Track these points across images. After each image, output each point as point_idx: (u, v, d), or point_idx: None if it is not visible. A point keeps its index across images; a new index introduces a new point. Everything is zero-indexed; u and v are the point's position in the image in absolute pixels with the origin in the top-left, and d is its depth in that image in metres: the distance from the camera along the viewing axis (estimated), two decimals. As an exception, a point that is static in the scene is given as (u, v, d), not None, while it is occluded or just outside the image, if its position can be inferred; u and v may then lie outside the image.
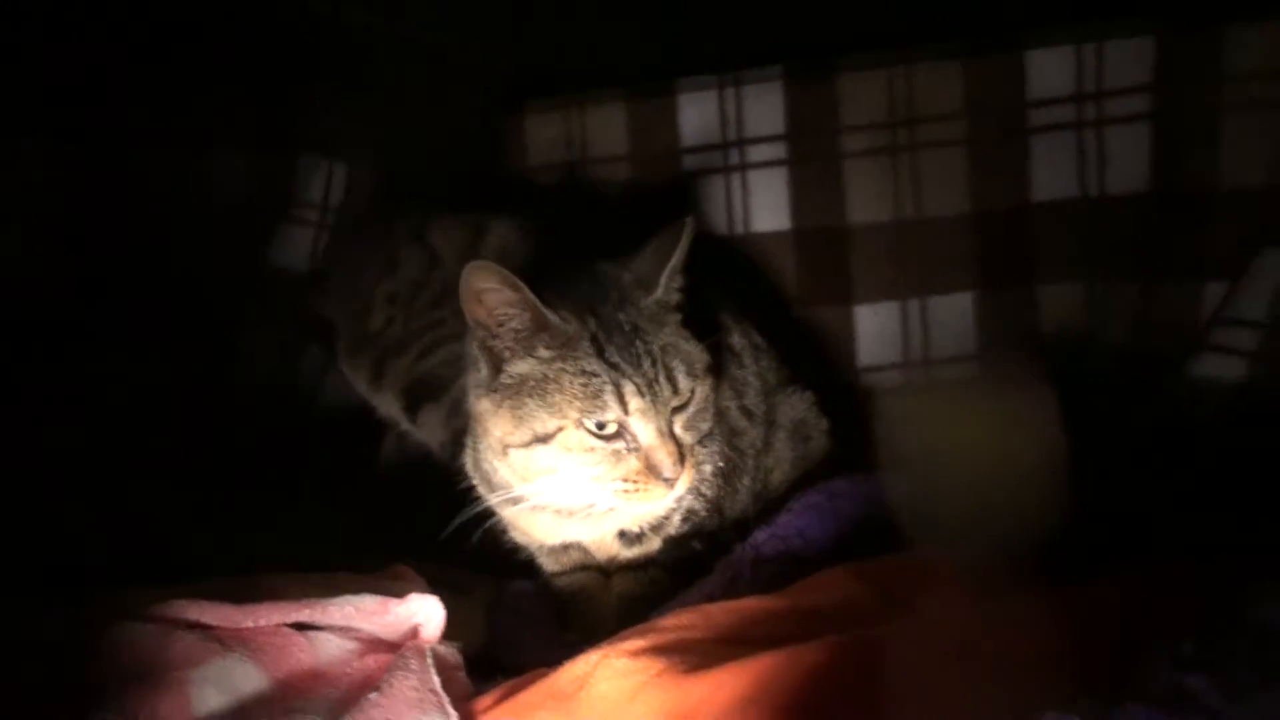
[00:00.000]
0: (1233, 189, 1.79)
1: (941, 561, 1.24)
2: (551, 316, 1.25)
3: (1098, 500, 1.37)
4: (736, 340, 1.53)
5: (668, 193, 2.05)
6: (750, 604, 1.17)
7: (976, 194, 1.95)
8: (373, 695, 1.03)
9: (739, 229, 2.03)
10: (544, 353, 1.26)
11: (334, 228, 2.03)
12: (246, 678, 1.08)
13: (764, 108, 2.00)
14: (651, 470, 1.25)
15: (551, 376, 1.26)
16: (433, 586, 1.32)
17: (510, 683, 1.13)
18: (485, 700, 1.11)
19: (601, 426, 1.25)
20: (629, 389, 1.24)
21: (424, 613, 1.14)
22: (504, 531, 1.46)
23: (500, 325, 1.26)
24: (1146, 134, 1.85)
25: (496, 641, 1.37)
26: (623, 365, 1.25)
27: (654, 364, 1.26)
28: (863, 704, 0.96)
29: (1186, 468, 1.51)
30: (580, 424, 1.25)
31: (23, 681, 1.08)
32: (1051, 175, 1.92)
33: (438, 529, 1.58)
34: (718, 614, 1.15)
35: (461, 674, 1.15)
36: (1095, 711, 0.74)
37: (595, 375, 1.25)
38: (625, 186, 2.07)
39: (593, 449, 1.25)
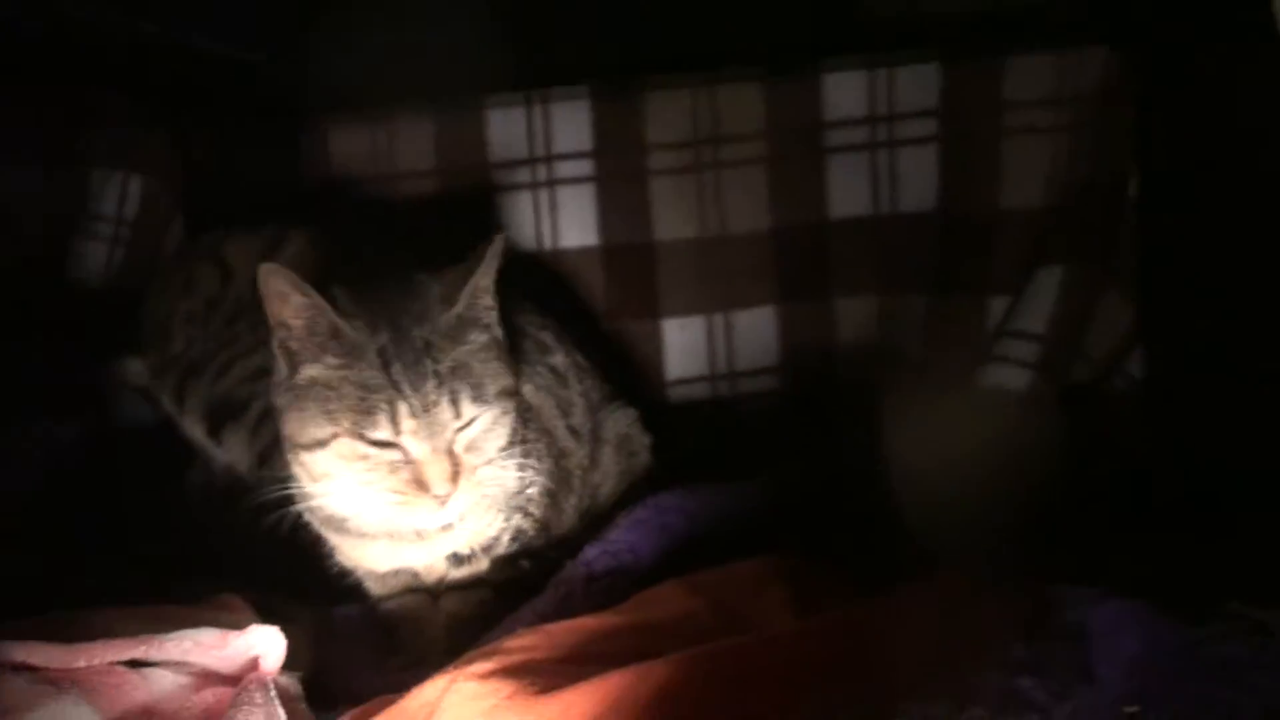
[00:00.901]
0: (1012, 209, 1.90)
1: (768, 571, 1.29)
2: (342, 324, 1.26)
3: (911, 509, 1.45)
4: (560, 360, 1.55)
5: (476, 209, 2.05)
6: (589, 622, 1.20)
7: (777, 211, 2.02)
8: (218, 732, 1.02)
9: (547, 245, 2.04)
10: (332, 360, 1.27)
11: (131, 243, 1.96)
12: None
13: (571, 124, 2.03)
14: (421, 485, 1.26)
15: (335, 384, 1.26)
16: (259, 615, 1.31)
17: (354, 712, 1.12)
18: (329, 731, 1.10)
19: (376, 440, 1.26)
20: (403, 409, 1.25)
21: (264, 644, 1.12)
22: (330, 555, 1.44)
23: (297, 326, 1.27)
24: (934, 156, 1.96)
25: (327, 669, 1.35)
26: (403, 383, 1.25)
27: (439, 384, 1.26)
28: (709, 718, 1.00)
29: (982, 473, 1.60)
30: (353, 434, 1.26)
31: None
32: (847, 193, 2.00)
33: (254, 555, 1.56)
34: (559, 633, 1.17)
35: (303, 705, 1.13)
36: (938, 715, 0.79)
37: (373, 391, 1.25)
38: (433, 202, 2.06)
39: (365, 456, 1.26)
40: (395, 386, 1.25)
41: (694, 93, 2.01)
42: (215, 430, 1.73)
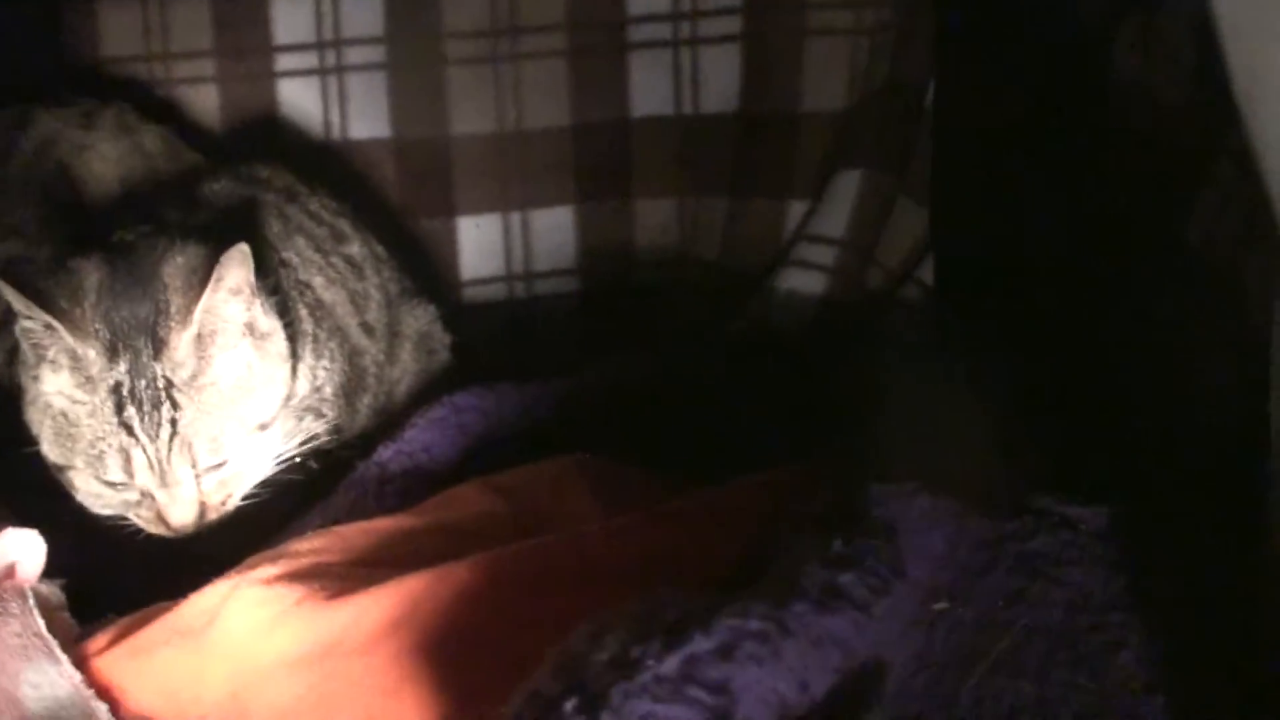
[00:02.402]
0: (813, 111, 1.90)
1: (570, 471, 1.26)
2: (79, 347, 1.12)
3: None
4: (357, 251, 1.46)
5: (258, 97, 1.93)
6: (384, 524, 1.14)
7: (576, 108, 1.96)
8: (-31, 645, 0.93)
9: (336, 135, 1.93)
10: (66, 380, 1.14)
11: None
12: None
13: (363, 6, 1.91)
14: (163, 523, 1.16)
15: (70, 416, 1.14)
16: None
17: (124, 621, 1.04)
18: (98, 641, 1.02)
19: (111, 483, 1.15)
20: (139, 460, 1.13)
21: (20, 549, 1.03)
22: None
23: (30, 327, 1.14)
24: (737, 55, 1.92)
25: (94, 573, 1.25)
26: (137, 431, 1.12)
27: (173, 436, 1.13)
28: (513, 620, 0.96)
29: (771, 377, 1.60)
30: (89, 475, 1.15)
31: None
32: (648, 92, 1.95)
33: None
34: (353, 535, 1.11)
35: (66, 614, 1.05)
36: (762, 612, 0.77)
37: (103, 436, 1.13)
38: (211, 87, 1.93)
39: (101, 495, 1.17)
40: (130, 431, 1.12)
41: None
42: None
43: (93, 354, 1.12)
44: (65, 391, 1.14)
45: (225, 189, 1.43)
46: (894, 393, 1.32)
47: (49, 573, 1.05)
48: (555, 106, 1.96)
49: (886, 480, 0.94)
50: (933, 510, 0.92)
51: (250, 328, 1.19)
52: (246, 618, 0.98)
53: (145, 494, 1.15)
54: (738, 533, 1.04)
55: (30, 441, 1.21)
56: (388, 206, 1.93)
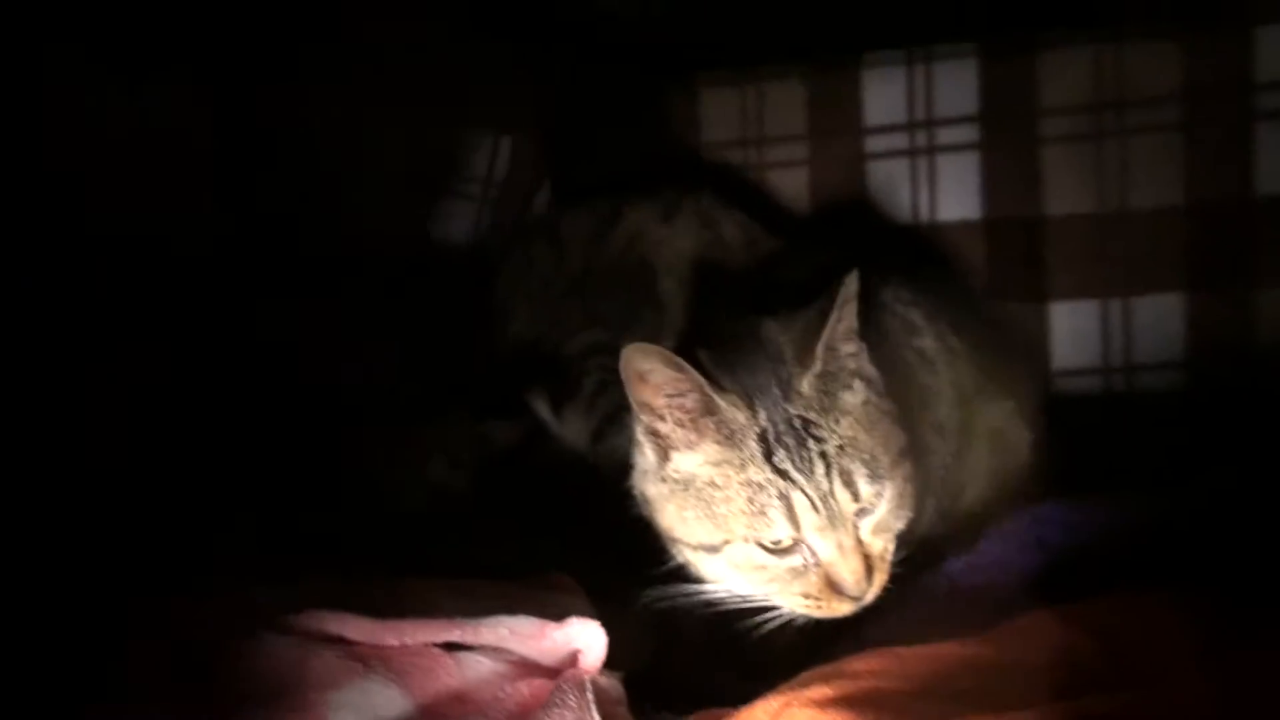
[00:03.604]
0: None
1: (1167, 607, 1.08)
2: (719, 400, 1.13)
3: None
4: (929, 344, 1.38)
5: (847, 179, 1.91)
6: (949, 650, 1.03)
7: (1190, 185, 1.77)
8: (527, 734, 0.93)
9: (924, 217, 1.88)
10: (710, 448, 1.14)
11: (498, 204, 1.95)
12: (389, 703, 0.98)
13: (956, 86, 1.85)
14: (834, 589, 1.12)
15: (719, 482, 1.13)
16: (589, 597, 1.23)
17: (675, 726, 1.01)
18: (649, 743, 1.00)
19: (774, 543, 1.12)
20: (801, 504, 1.10)
21: (584, 639, 1.03)
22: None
23: (666, 408, 1.15)
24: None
25: (653, 665, 1.25)
26: (792, 473, 1.10)
27: (828, 469, 1.11)
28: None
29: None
30: (748, 540, 1.12)
31: (140, 680, 1.01)
32: (1277, 166, 1.73)
33: (586, 531, 1.49)
34: (912, 660, 1.01)
35: (623, 709, 1.03)
36: None
37: (761, 487, 1.11)
38: (801, 170, 1.94)
39: (764, 566, 1.13)
40: (785, 476, 1.11)
41: (1097, 51, 1.79)
42: (557, 408, 1.71)
43: (736, 409, 1.13)
44: (710, 459, 1.14)
45: (799, 277, 1.41)
46: None
47: (611, 664, 1.05)
48: (1165, 184, 1.78)
49: None
50: None
51: (859, 373, 1.17)
52: (794, 741, 0.91)
53: (808, 561, 1.12)
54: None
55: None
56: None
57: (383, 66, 1.81)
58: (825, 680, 0.98)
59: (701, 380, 1.12)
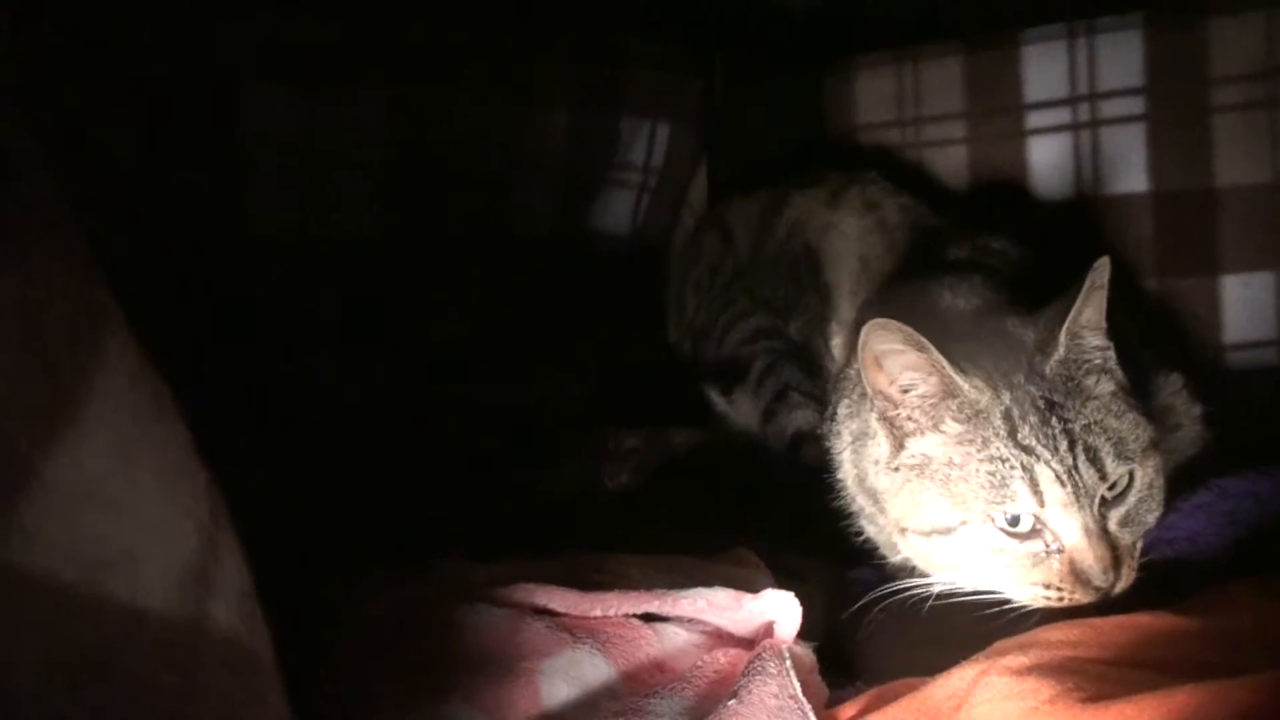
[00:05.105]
0: None
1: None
2: (962, 382, 1.12)
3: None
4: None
5: (1007, 156, 1.90)
6: (1147, 620, 1.03)
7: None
8: (731, 703, 0.96)
9: (1088, 191, 1.86)
10: (951, 426, 1.13)
11: (656, 192, 1.98)
12: (595, 670, 1.03)
13: (1120, 57, 1.83)
14: (1078, 577, 1.09)
15: (957, 460, 1.12)
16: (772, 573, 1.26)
17: (873, 692, 1.03)
18: (847, 709, 1.01)
19: (1014, 523, 1.10)
20: (1045, 476, 1.08)
21: (779, 610, 1.06)
22: (859, 530, 1.35)
23: (904, 393, 1.15)
24: None
25: (840, 637, 1.27)
26: (1036, 448, 1.09)
27: (1071, 445, 1.09)
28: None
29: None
30: (987, 519, 1.11)
31: (355, 660, 1.06)
32: None
33: (763, 509, 1.52)
34: (1110, 629, 1.01)
35: (818, 678, 1.05)
36: None
37: (1004, 460, 1.09)
38: (960, 148, 1.94)
39: (1002, 550, 1.11)
40: (1029, 451, 1.09)
41: (1270, 16, 1.74)
42: (727, 391, 1.76)
43: (979, 388, 1.13)
44: (951, 436, 1.14)
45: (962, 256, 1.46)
46: None
47: (803, 634, 1.07)
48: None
49: None
50: None
51: (1105, 368, 1.16)
52: (994, 709, 0.92)
53: (1050, 547, 1.10)
54: None
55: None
56: (1140, 265, 1.82)
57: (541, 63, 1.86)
58: (1021, 649, 0.99)
59: (943, 361, 1.11)
